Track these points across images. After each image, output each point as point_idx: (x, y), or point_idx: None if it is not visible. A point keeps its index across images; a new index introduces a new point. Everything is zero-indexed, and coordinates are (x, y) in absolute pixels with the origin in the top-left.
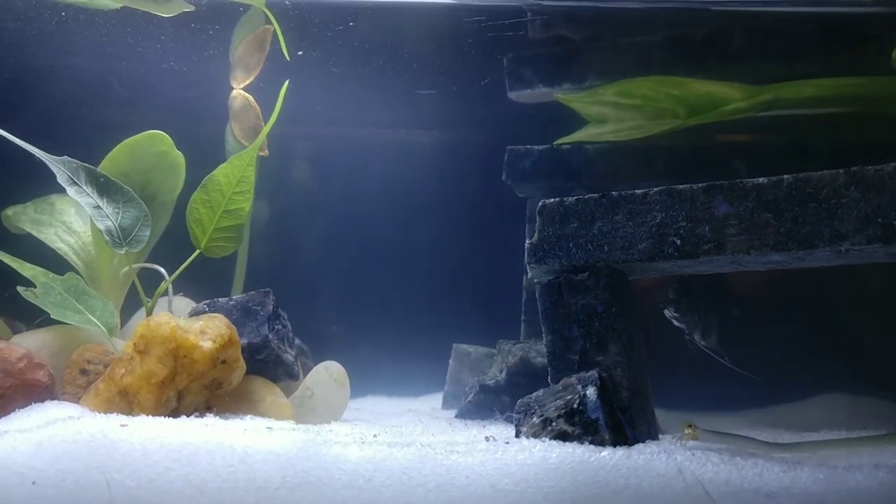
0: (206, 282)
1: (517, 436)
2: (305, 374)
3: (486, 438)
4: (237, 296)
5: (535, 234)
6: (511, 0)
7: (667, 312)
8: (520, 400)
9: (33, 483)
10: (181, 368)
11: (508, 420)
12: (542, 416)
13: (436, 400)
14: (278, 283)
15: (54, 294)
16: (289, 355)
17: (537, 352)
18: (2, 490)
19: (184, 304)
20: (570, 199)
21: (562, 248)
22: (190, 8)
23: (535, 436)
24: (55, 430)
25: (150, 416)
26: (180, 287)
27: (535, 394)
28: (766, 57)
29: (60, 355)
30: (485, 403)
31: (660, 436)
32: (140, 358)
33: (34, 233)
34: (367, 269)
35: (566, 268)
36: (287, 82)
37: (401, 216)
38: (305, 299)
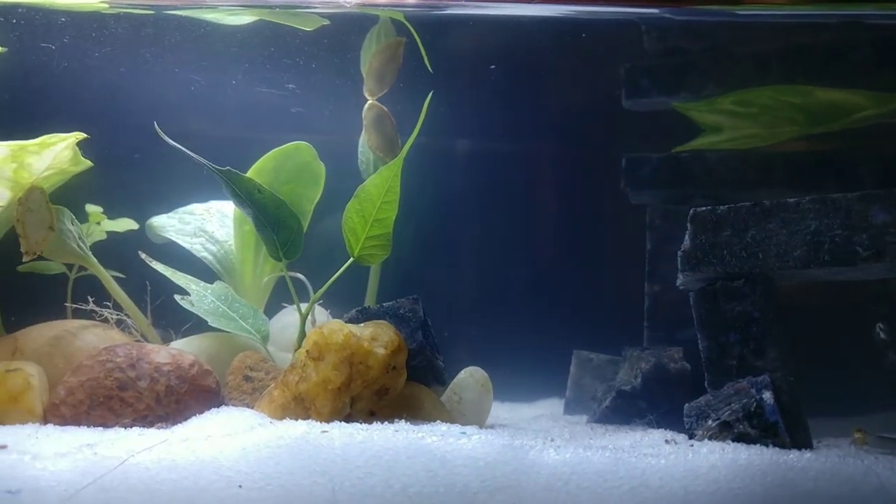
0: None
1: (691, 438)
2: None
3: (666, 441)
4: (386, 303)
5: (688, 242)
6: (629, 14)
7: (879, 326)
8: (688, 404)
9: (240, 486)
10: (356, 375)
11: (650, 424)
12: (717, 419)
13: (551, 405)
14: (392, 290)
15: (207, 302)
16: (439, 361)
17: (669, 358)
18: (210, 493)
19: (319, 312)
20: (721, 207)
21: (716, 255)
22: (326, 22)
23: (713, 439)
24: (258, 435)
25: (342, 422)
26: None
27: (703, 398)
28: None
29: (215, 362)
30: (621, 409)
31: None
32: (314, 365)
33: (181, 242)
34: (477, 276)
35: (720, 275)
36: (431, 94)
37: (515, 223)
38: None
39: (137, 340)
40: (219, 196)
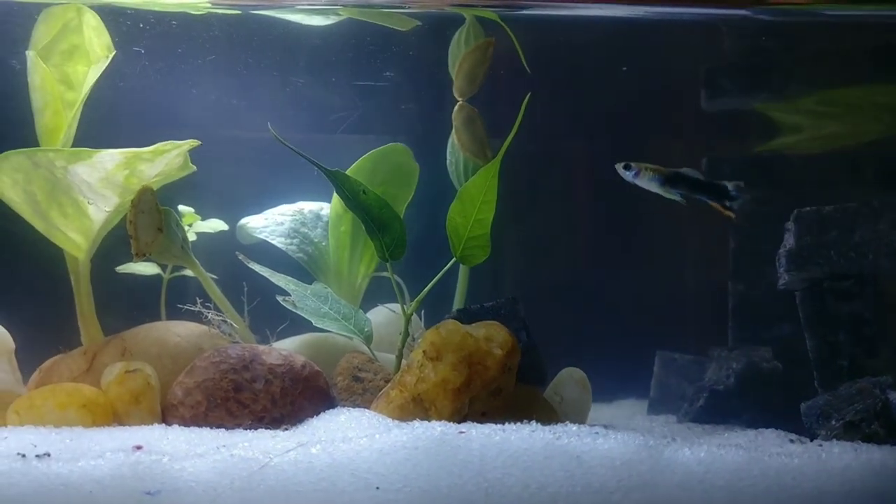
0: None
1: (812, 439)
2: None
3: (791, 441)
4: (486, 303)
5: (793, 242)
6: (708, 14)
7: None
8: (805, 404)
9: (377, 488)
10: (475, 375)
11: (748, 424)
12: (841, 419)
13: (631, 405)
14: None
15: (308, 303)
16: (541, 361)
17: (760, 357)
18: (347, 495)
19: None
20: (827, 207)
21: (822, 255)
22: (418, 22)
23: (838, 439)
24: (394, 436)
25: (477, 423)
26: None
27: (820, 398)
28: None
29: (315, 362)
30: (715, 408)
31: None
32: (433, 365)
33: (275, 243)
34: (556, 277)
35: (826, 275)
36: (528, 95)
37: (594, 223)
38: None
39: (235, 342)
40: (306, 197)
